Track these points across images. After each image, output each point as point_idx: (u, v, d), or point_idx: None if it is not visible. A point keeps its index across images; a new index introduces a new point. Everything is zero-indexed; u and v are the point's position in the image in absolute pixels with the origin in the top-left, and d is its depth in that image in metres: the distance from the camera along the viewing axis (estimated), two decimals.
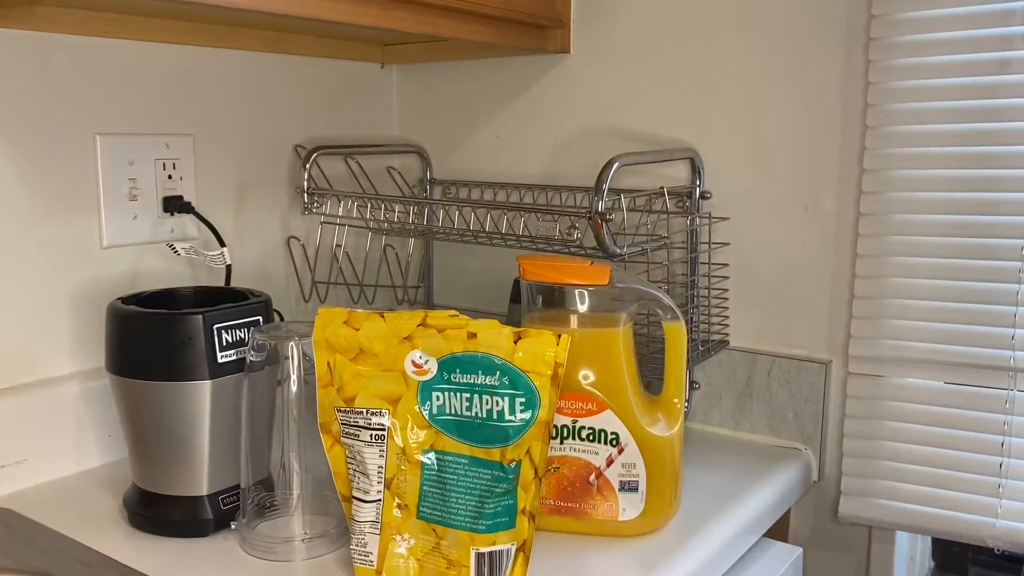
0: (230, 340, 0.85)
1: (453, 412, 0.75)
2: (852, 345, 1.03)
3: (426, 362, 0.76)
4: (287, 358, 0.82)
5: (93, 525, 0.87)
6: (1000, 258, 0.93)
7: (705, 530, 0.87)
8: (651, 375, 0.95)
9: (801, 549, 1.00)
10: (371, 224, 1.20)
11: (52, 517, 0.88)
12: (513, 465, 0.74)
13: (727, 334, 1.14)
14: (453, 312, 0.77)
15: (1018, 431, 0.94)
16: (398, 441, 0.75)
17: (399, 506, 0.76)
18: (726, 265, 1.13)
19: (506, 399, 0.74)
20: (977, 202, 0.94)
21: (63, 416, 0.98)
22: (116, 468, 1.01)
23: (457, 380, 0.75)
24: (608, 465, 0.83)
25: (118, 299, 0.88)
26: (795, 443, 1.09)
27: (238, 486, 0.86)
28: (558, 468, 0.84)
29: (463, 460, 0.75)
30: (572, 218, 0.98)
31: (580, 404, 0.83)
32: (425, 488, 0.75)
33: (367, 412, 0.76)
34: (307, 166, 1.16)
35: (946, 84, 0.94)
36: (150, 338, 0.83)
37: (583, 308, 0.85)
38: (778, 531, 1.04)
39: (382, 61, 1.36)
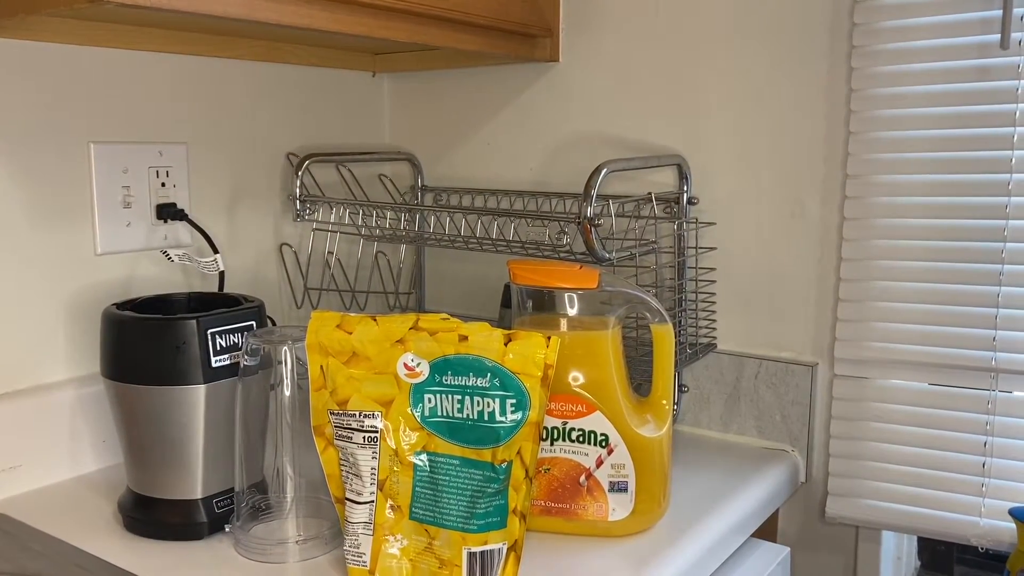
0: (224, 345, 0.86)
1: (445, 414, 0.76)
2: (837, 347, 1.04)
3: (418, 365, 0.77)
4: (280, 362, 0.83)
5: (88, 529, 0.88)
6: (980, 261, 0.95)
7: (694, 530, 0.88)
8: (640, 378, 0.96)
9: (789, 549, 1.01)
10: (363, 231, 1.21)
11: (47, 521, 0.89)
12: (504, 465, 0.75)
13: (715, 337, 1.15)
14: (444, 315, 0.78)
15: (1000, 431, 0.96)
16: (391, 443, 0.77)
17: (392, 507, 0.77)
18: (713, 269, 1.14)
19: (497, 400, 0.75)
20: (958, 206, 0.96)
21: (58, 421, 0.99)
22: (111, 473, 1.02)
23: (448, 382, 0.76)
24: (598, 466, 0.85)
25: (113, 305, 0.89)
26: (783, 445, 1.11)
27: (232, 489, 0.87)
28: (548, 469, 0.85)
29: (455, 461, 0.76)
30: (562, 223, 1.00)
31: (570, 406, 0.84)
32: (417, 489, 0.76)
33: (360, 415, 0.77)
34: (299, 173, 1.18)
35: (926, 91, 0.96)
36: (145, 343, 0.84)
37: (572, 312, 0.86)
38: (766, 531, 1.06)
39: (373, 70, 1.38)
